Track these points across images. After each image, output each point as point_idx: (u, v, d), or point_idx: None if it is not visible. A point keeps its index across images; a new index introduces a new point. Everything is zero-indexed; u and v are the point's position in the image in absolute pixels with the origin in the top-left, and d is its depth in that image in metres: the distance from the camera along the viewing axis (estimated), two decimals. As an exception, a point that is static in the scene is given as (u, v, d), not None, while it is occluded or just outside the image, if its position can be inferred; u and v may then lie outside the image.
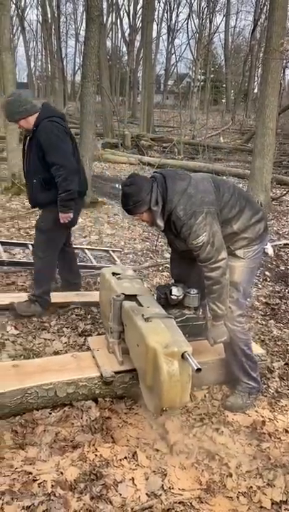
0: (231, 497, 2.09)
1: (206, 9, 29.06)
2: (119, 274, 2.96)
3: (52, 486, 2.01)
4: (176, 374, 2.12)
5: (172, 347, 2.15)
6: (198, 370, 2.08)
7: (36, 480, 2.03)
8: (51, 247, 3.50)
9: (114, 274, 2.96)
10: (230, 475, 2.20)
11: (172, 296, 2.61)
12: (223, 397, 2.78)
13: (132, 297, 2.67)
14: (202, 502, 2.04)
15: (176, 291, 2.62)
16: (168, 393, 2.12)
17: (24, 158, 3.44)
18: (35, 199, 3.46)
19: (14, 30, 39.26)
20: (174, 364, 2.12)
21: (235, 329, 2.57)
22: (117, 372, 2.58)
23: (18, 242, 5.10)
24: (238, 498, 2.09)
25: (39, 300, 3.51)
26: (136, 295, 2.69)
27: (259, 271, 4.99)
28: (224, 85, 38.23)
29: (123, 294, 2.67)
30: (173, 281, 2.89)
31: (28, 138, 3.33)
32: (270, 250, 5.58)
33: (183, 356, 2.14)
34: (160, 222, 2.42)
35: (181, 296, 2.63)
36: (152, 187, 2.39)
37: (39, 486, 2.00)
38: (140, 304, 2.59)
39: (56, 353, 3.07)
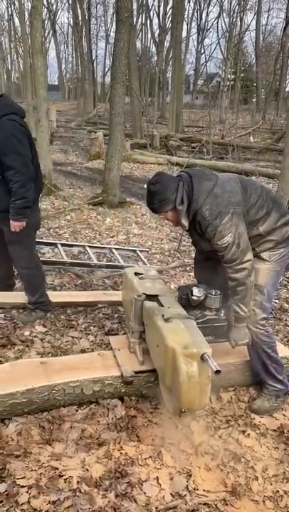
0: (257, 501, 2.06)
1: (237, 7, 28.78)
2: (141, 274, 2.96)
3: (77, 482, 2.04)
4: (195, 375, 2.09)
5: (192, 348, 2.13)
6: (218, 371, 2.04)
7: (62, 475, 2.06)
8: (30, 253, 3.39)
9: (136, 274, 2.96)
10: (256, 478, 2.17)
11: (193, 297, 2.59)
12: (250, 400, 2.75)
13: (153, 297, 2.66)
14: (227, 504, 2.02)
15: (197, 292, 2.59)
16: (187, 394, 2.10)
17: None
18: (2, 203, 3.09)
19: (46, 34, 40.10)
20: (193, 365, 2.10)
21: (258, 332, 2.53)
22: (137, 372, 2.58)
23: (48, 241, 5.19)
24: (263, 502, 2.06)
25: (38, 306, 3.50)
26: (157, 295, 2.68)
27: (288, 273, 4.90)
28: (255, 84, 37.76)
29: (144, 294, 2.67)
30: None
31: None
32: None
33: (202, 357, 2.11)
34: (185, 222, 2.41)
35: (203, 297, 2.60)
36: (178, 186, 2.38)
37: (65, 482, 2.03)
38: (161, 305, 2.58)
39: (83, 351, 3.10)
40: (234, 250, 2.31)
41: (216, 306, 2.62)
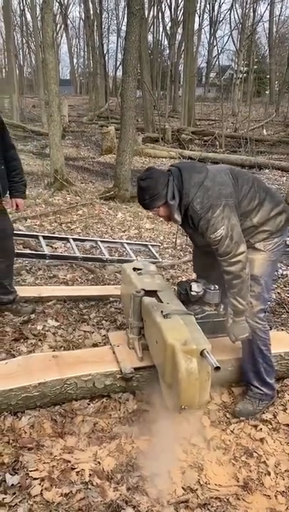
0: (269, 495, 2.05)
1: (250, -2, 28.30)
2: (140, 269, 2.93)
3: (89, 475, 2.05)
4: (195, 372, 2.06)
5: (191, 344, 2.09)
6: (217, 368, 2.01)
7: (74, 468, 2.08)
8: None
9: (135, 269, 2.93)
10: (269, 473, 2.16)
11: (192, 293, 2.56)
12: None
13: (152, 293, 2.63)
14: (239, 499, 2.02)
15: (196, 287, 2.56)
16: (186, 391, 2.06)
17: None
18: (5, 188, 3.07)
19: (57, 28, 40.05)
20: (193, 362, 2.06)
21: (255, 326, 2.47)
22: (136, 369, 2.55)
23: (60, 236, 5.21)
24: (276, 497, 2.05)
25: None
26: (156, 291, 2.64)
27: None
28: (268, 76, 37.24)
29: (143, 289, 2.64)
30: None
31: None
32: None
33: (202, 354, 2.07)
34: (177, 217, 2.35)
35: (201, 293, 2.57)
36: (168, 181, 2.33)
37: (77, 475, 2.05)
38: (160, 300, 2.54)
39: (95, 345, 3.11)
40: (228, 243, 2.27)
41: (215, 301, 2.59)
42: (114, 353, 2.70)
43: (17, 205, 3.20)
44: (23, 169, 3.16)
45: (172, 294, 2.66)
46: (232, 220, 2.28)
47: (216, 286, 2.57)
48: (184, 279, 4.34)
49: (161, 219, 6.52)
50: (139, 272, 2.90)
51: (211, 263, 2.62)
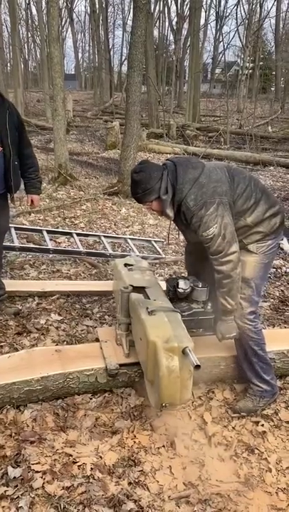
0: (270, 492, 2.06)
1: (257, -6, 28.08)
2: (132, 265, 2.91)
3: (91, 469, 2.06)
4: (176, 370, 2.05)
5: (173, 342, 2.07)
6: (198, 366, 1.99)
7: (76, 462, 2.09)
8: None
9: (126, 265, 2.92)
10: (270, 470, 2.16)
11: (179, 290, 2.53)
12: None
13: (140, 289, 2.61)
14: (240, 495, 2.02)
15: (182, 285, 2.53)
16: (167, 389, 2.06)
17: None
18: (17, 184, 3.10)
19: (63, 22, 39.93)
20: (174, 360, 2.05)
21: (245, 327, 2.44)
22: (122, 365, 2.54)
23: (64, 230, 5.21)
24: (277, 493, 2.05)
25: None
26: (144, 287, 2.62)
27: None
28: (274, 73, 36.99)
29: (131, 285, 2.61)
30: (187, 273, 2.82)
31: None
32: (285, 245, 5.22)
33: (184, 352, 2.06)
34: (170, 212, 2.32)
35: (189, 290, 2.54)
36: (162, 175, 2.30)
37: (79, 468, 2.06)
38: (147, 297, 2.53)
39: (98, 339, 3.11)
40: (219, 242, 2.24)
41: (202, 299, 2.57)
42: (101, 348, 2.69)
43: (32, 201, 3.30)
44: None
45: (160, 290, 2.63)
46: (225, 218, 2.25)
47: (205, 284, 2.54)
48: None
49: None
50: (130, 267, 2.88)
51: (201, 260, 2.58)
